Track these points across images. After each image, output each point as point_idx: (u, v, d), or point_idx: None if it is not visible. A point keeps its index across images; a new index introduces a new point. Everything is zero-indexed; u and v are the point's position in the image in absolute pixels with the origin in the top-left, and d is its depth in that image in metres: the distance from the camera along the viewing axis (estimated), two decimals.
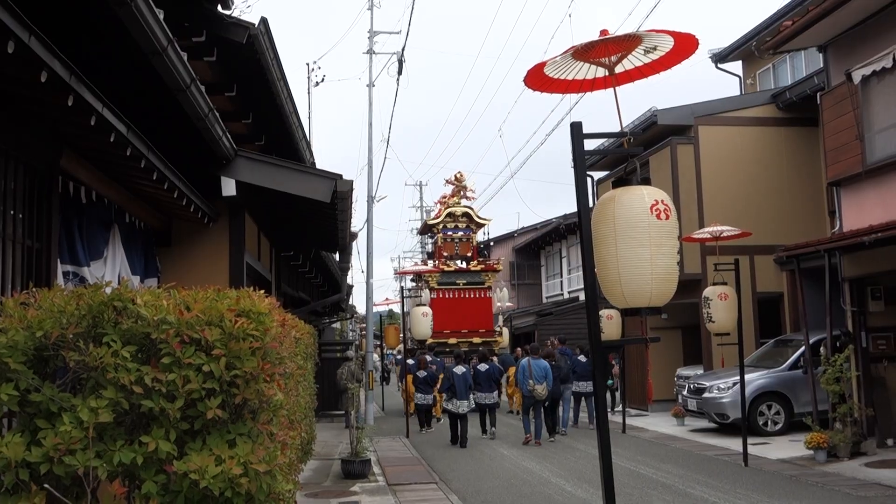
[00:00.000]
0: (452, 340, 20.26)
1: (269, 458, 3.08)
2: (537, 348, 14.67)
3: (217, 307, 3.17)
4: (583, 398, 15.84)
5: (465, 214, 21.96)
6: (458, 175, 22.54)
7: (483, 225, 22.68)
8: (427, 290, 20.58)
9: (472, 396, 14.33)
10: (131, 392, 2.99)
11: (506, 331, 23.17)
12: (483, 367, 14.69)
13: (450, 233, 21.79)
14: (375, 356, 24.17)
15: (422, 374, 15.88)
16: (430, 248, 24.16)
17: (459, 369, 14.56)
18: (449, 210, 21.91)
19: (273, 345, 3.25)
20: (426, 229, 23.84)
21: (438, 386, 16.16)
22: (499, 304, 21.85)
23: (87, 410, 2.92)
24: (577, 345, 16.73)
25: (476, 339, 20.64)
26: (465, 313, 20.90)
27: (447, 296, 20.97)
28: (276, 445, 3.26)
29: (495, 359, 15.97)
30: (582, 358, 15.69)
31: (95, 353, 2.99)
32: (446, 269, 21.21)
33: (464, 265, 21.56)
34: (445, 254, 21.68)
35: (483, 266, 21.66)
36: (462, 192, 22.30)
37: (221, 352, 3.07)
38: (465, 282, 21.26)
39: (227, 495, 2.96)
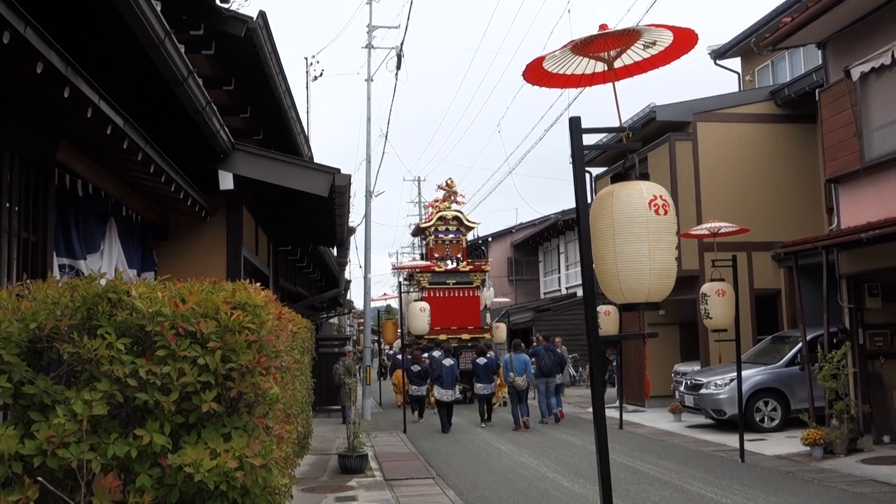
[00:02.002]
0: (443, 337, 21.04)
1: (265, 452, 3.07)
2: (518, 344, 16.09)
3: (213, 299, 3.15)
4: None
5: (456, 218, 23.21)
6: (449, 181, 23.92)
7: (472, 228, 24.18)
8: (419, 289, 21.57)
9: (458, 387, 15.93)
10: (126, 385, 2.97)
11: (503, 326, 23.72)
12: (482, 360, 15.84)
13: (441, 235, 23.06)
14: (392, 349, 24.84)
15: (415, 368, 16.58)
16: (422, 249, 25.63)
17: (447, 361, 15.92)
18: (440, 214, 23.17)
19: (269, 338, 3.24)
20: (418, 232, 25.13)
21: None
22: (486, 302, 22.94)
23: (81, 403, 2.91)
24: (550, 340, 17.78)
25: (465, 336, 21.68)
26: (455, 311, 21.95)
27: (438, 295, 21.78)
28: (271, 439, 3.25)
29: (491, 353, 16.78)
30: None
31: (90, 345, 2.97)
32: (437, 269, 22.31)
33: (454, 265, 22.72)
34: (437, 255, 22.82)
35: (472, 267, 22.88)
36: (452, 197, 23.64)
37: (217, 345, 3.05)
38: (454, 281, 22.39)
39: (223, 489, 2.95)
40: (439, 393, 15.46)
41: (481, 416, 15.93)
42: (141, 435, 2.95)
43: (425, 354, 17.66)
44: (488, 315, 23.35)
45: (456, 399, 15.63)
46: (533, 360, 16.09)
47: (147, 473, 2.96)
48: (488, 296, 23.11)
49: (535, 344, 17.97)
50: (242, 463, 2.97)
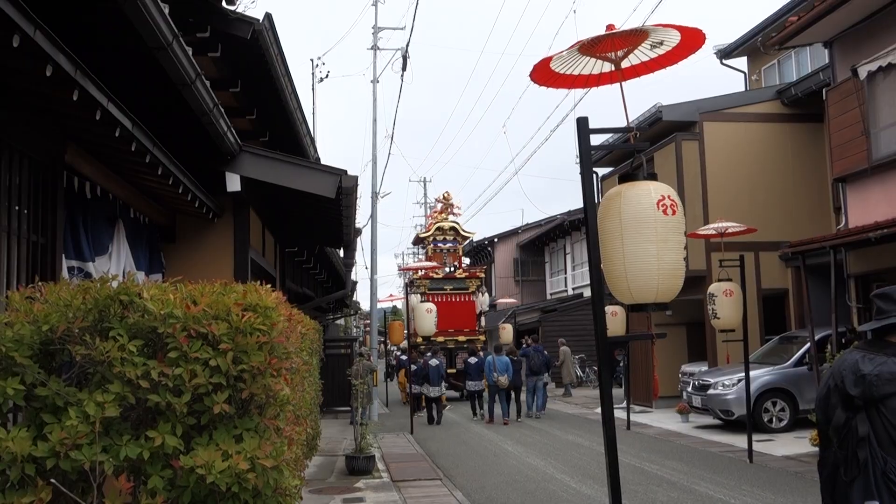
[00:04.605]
0: (440, 339, 22.10)
1: (276, 454, 3.07)
2: (500, 347, 17.80)
3: (224, 301, 3.16)
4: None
5: (452, 228, 25.07)
6: (446, 194, 25.89)
7: (468, 237, 26.34)
8: (419, 294, 22.81)
9: (444, 384, 17.84)
10: (138, 386, 2.98)
11: (509, 327, 24.49)
12: (473, 360, 17.83)
13: (439, 244, 24.90)
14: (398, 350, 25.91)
15: (414, 367, 17.91)
16: (423, 256, 27.68)
17: (434, 362, 17.51)
18: (438, 225, 25.08)
19: (280, 339, 3.24)
20: (418, 241, 27.38)
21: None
22: (481, 307, 24.51)
23: (94, 405, 2.92)
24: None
25: (461, 338, 23.19)
26: (452, 315, 23.21)
27: (436, 300, 22.65)
28: (282, 440, 3.26)
29: (482, 353, 18.54)
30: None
31: (102, 347, 2.98)
32: (435, 276, 23.80)
33: (451, 271, 24.39)
34: (435, 263, 24.27)
35: (467, 274, 24.57)
36: (449, 209, 25.57)
37: (228, 346, 3.06)
38: (451, 287, 23.90)
39: (234, 490, 2.95)
40: (427, 389, 17.23)
41: (473, 410, 17.81)
42: (153, 436, 2.96)
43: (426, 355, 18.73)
44: (483, 318, 24.78)
45: (442, 394, 17.75)
46: (524, 359, 17.70)
47: (159, 475, 2.97)
48: (483, 301, 24.70)
49: (524, 346, 19.31)
50: (254, 464, 2.97)
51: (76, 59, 3.83)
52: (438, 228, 24.97)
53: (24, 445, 2.87)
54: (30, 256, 4.86)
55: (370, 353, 20.59)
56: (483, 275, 25.75)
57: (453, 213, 25.59)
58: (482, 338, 23.69)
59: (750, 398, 10.94)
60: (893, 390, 2.88)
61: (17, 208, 4.68)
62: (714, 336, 14.43)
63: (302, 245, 14.32)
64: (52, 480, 2.90)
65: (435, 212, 26.35)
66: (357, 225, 18.43)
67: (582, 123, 4.23)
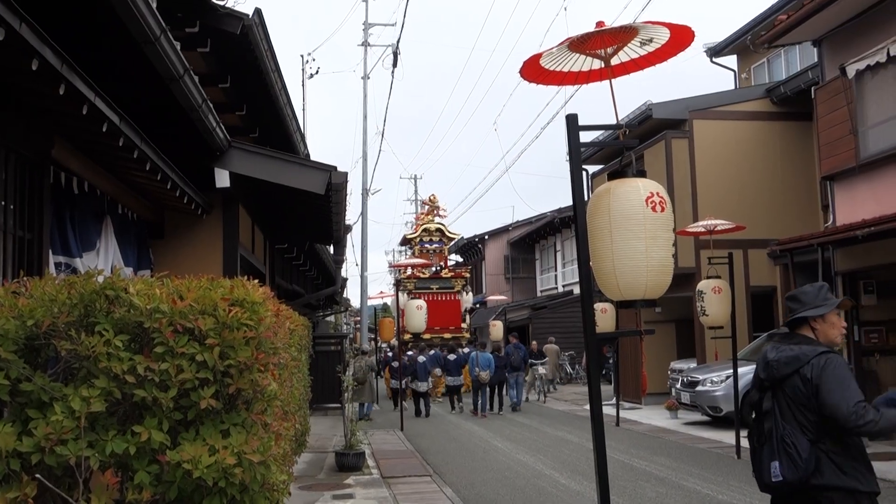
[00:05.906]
0: (427, 336, 22.96)
1: (264, 449, 3.06)
2: (483, 344, 19.47)
3: (211, 296, 3.15)
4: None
5: (438, 230, 26.29)
6: (432, 197, 27.10)
7: (453, 238, 27.66)
8: (406, 293, 23.53)
9: (430, 379, 18.75)
10: (124, 381, 2.97)
11: (500, 324, 24.60)
12: (452, 356, 18.89)
13: (425, 245, 26.06)
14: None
15: (395, 364, 18.78)
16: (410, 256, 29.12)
17: (421, 358, 18.45)
18: (424, 226, 26.28)
19: (267, 334, 3.23)
20: (405, 242, 28.76)
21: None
22: (466, 305, 25.64)
23: (79, 400, 2.90)
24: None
25: (447, 335, 24.14)
26: (437, 313, 24.02)
27: (423, 298, 23.09)
28: (270, 436, 3.25)
29: (461, 350, 19.66)
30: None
31: (87, 342, 2.97)
32: (422, 275, 24.81)
33: (437, 271, 25.39)
34: (423, 260, 25.33)
35: (453, 273, 25.60)
36: (435, 212, 26.71)
37: (215, 341, 3.05)
38: (437, 286, 24.95)
39: (221, 485, 2.95)
40: (416, 385, 18.11)
41: (451, 405, 19.06)
42: (139, 432, 2.95)
43: (409, 353, 19.50)
44: (468, 316, 25.78)
45: (429, 388, 18.79)
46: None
47: (145, 470, 2.96)
48: (468, 299, 25.79)
49: (506, 343, 20.21)
50: (241, 459, 2.96)
51: (62, 53, 3.80)
52: (425, 230, 25.97)
53: (9, 440, 2.86)
54: (16, 252, 4.82)
55: (357, 350, 20.71)
56: (468, 274, 26.70)
57: (439, 215, 26.59)
58: (467, 335, 24.60)
59: (738, 395, 10.98)
60: (790, 371, 3.50)
61: (3, 203, 4.64)
62: (703, 333, 14.49)
63: (292, 242, 14.28)
64: (38, 476, 2.88)
65: (422, 213, 27.39)
66: (347, 222, 18.45)
67: (571, 120, 4.23)
